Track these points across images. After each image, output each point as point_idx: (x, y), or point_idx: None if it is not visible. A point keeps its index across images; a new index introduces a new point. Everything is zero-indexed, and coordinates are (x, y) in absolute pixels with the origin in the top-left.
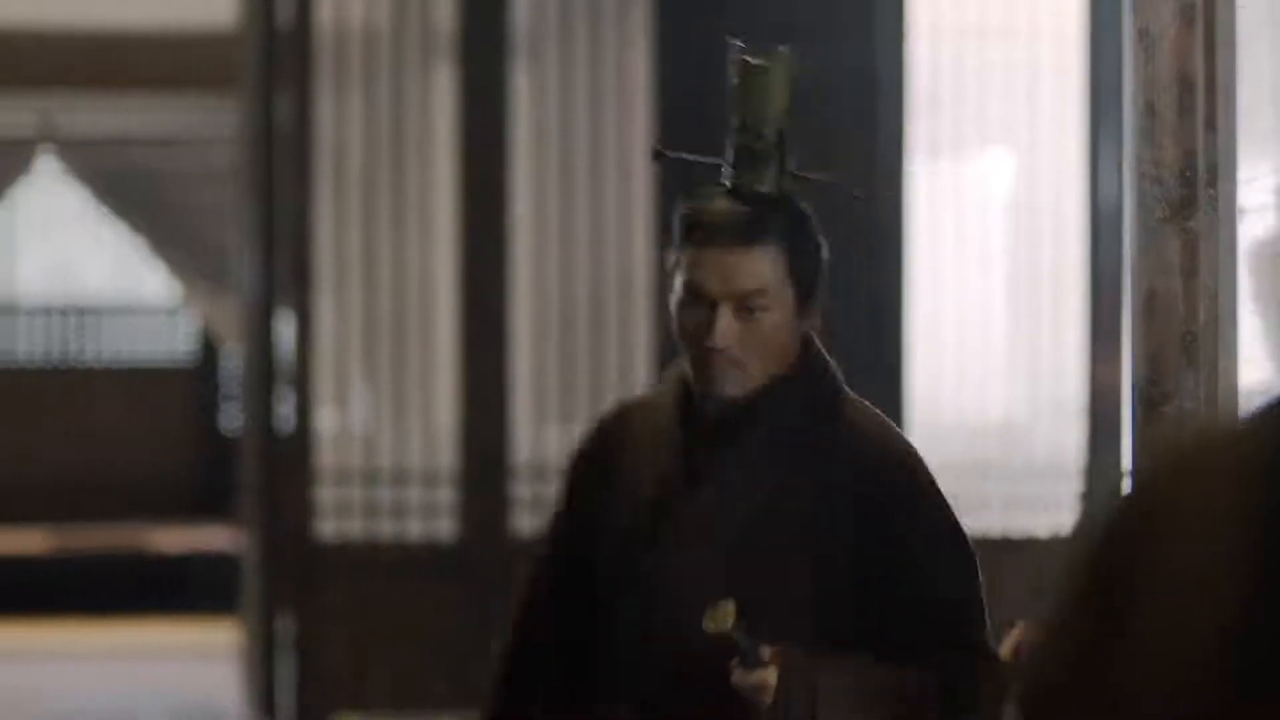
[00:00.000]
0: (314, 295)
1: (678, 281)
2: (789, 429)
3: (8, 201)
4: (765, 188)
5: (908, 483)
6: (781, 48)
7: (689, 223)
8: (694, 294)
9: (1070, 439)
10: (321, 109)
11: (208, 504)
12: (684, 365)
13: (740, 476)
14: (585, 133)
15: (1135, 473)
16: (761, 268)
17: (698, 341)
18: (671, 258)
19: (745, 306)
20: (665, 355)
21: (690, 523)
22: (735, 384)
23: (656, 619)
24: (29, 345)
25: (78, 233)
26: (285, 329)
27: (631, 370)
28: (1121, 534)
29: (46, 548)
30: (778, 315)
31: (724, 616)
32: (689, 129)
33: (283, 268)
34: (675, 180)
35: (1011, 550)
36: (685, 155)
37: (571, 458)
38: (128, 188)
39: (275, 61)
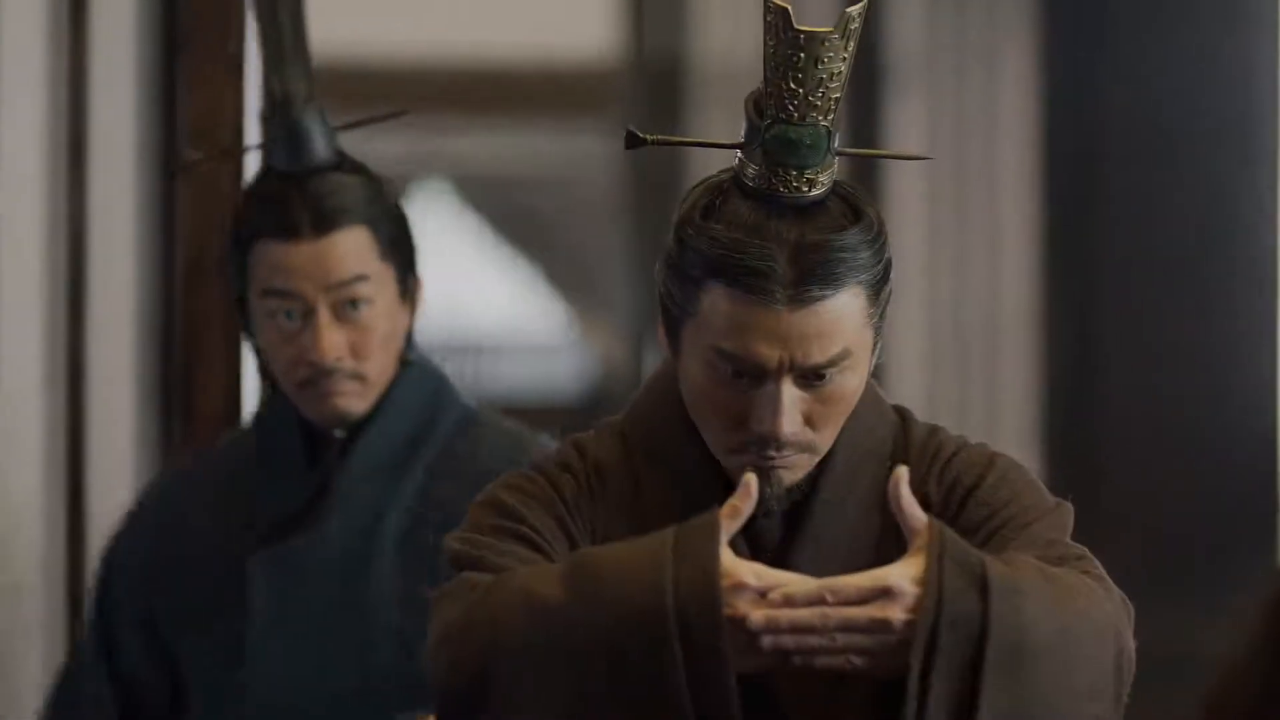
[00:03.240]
0: None
1: (701, 342)
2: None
3: None
4: (817, 190)
5: None
6: (851, 9)
7: (719, 258)
8: (737, 363)
9: None
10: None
11: None
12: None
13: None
14: (963, 157)
15: None
16: (843, 321)
17: (741, 424)
18: (679, 299)
19: (816, 375)
20: (1056, 375)
21: None
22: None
23: None
24: None
25: (470, 268)
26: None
27: (1015, 393)
28: None
29: None
30: (853, 378)
31: None
32: (1072, 149)
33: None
34: (1058, 201)
35: None
36: (669, 139)
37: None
38: (517, 222)
39: (650, 93)
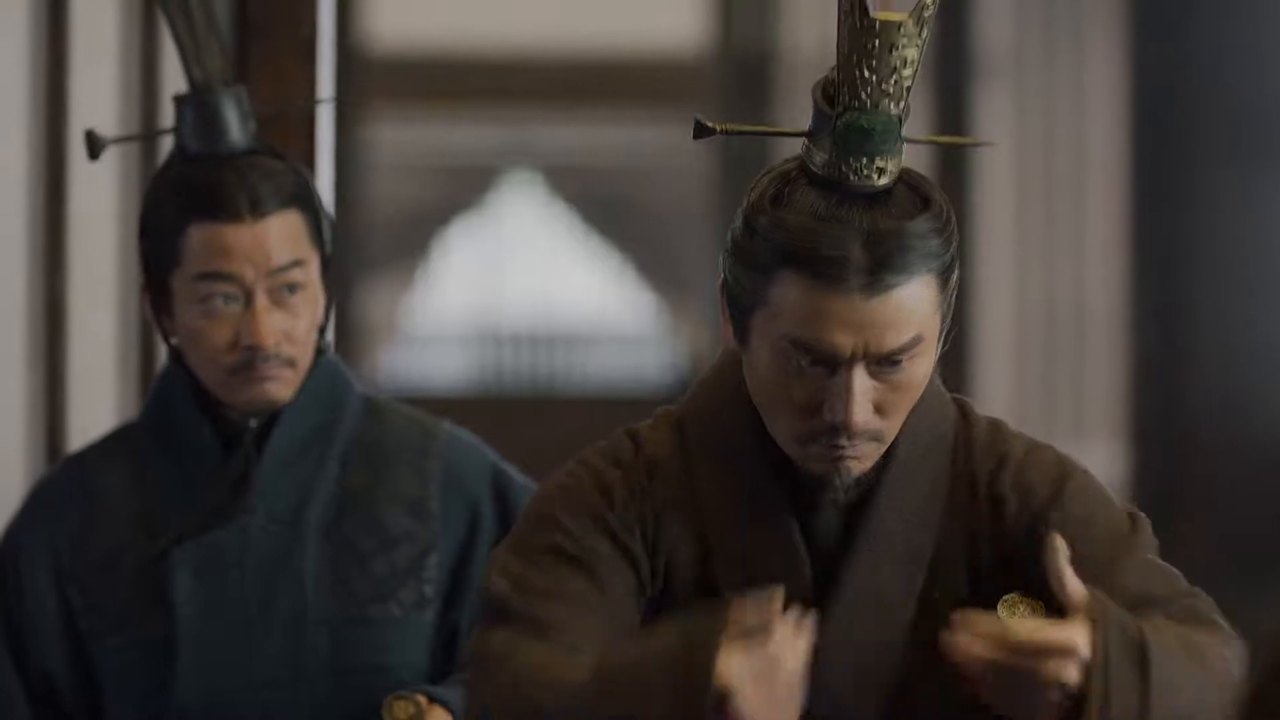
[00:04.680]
0: None
1: (772, 332)
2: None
3: (495, 229)
4: (885, 179)
5: None
6: None
7: (791, 246)
8: (811, 351)
9: None
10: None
11: None
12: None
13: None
14: (1052, 151)
15: None
16: (916, 308)
17: (812, 413)
18: (748, 288)
19: (890, 361)
20: (1143, 366)
21: None
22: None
23: None
24: (513, 372)
25: (562, 258)
26: None
27: (1102, 384)
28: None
29: None
30: (924, 365)
31: None
32: (1162, 142)
33: None
34: (1147, 195)
35: None
36: (737, 128)
37: None
38: (607, 212)
39: (738, 84)
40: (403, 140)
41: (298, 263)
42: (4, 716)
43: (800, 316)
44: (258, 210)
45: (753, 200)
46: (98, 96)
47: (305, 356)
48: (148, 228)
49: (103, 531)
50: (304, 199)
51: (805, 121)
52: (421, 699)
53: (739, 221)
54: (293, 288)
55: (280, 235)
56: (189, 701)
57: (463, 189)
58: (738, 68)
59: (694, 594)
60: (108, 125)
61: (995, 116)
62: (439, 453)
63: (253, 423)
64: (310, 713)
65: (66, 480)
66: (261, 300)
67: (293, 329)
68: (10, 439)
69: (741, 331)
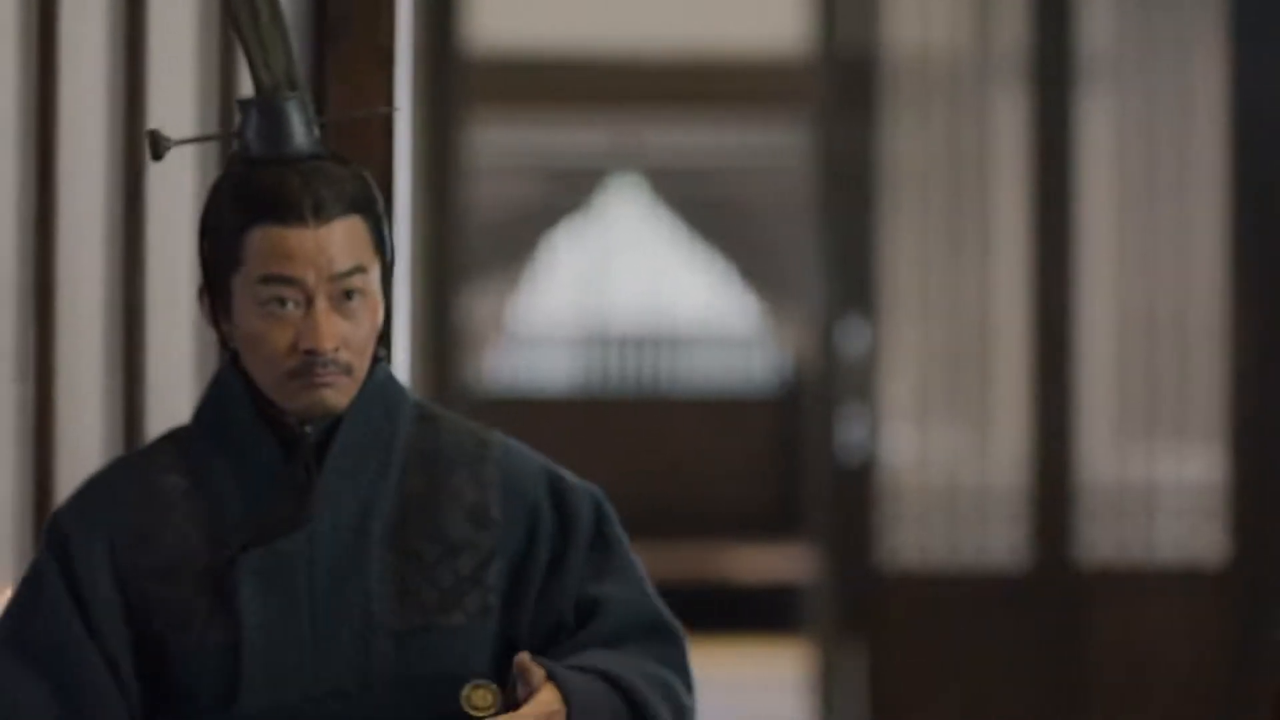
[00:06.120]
0: (880, 320)
1: None
2: None
3: (599, 231)
4: None
5: None
6: None
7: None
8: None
9: None
10: (887, 133)
11: (786, 530)
12: None
13: None
14: (1155, 153)
15: None
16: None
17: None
18: None
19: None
20: (1244, 370)
21: None
22: None
23: None
24: (618, 373)
25: (666, 260)
26: (851, 355)
27: (1204, 388)
28: None
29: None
30: None
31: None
32: (1264, 145)
33: (849, 294)
34: (1248, 197)
35: None
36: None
37: None
38: (711, 215)
39: (841, 86)
40: (507, 143)
41: (359, 269)
42: (86, 681)
43: None
44: (321, 215)
45: None
46: (175, 101)
47: (362, 364)
48: (208, 229)
49: (164, 536)
50: (367, 205)
51: (910, 121)
52: (496, 687)
53: None
54: (353, 294)
55: (343, 240)
56: (254, 711)
57: (568, 191)
58: (841, 69)
59: None
60: (185, 130)
61: (1097, 121)
62: (496, 459)
63: (309, 429)
64: None
65: (123, 481)
66: (321, 304)
67: (351, 335)
68: (88, 443)
69: None
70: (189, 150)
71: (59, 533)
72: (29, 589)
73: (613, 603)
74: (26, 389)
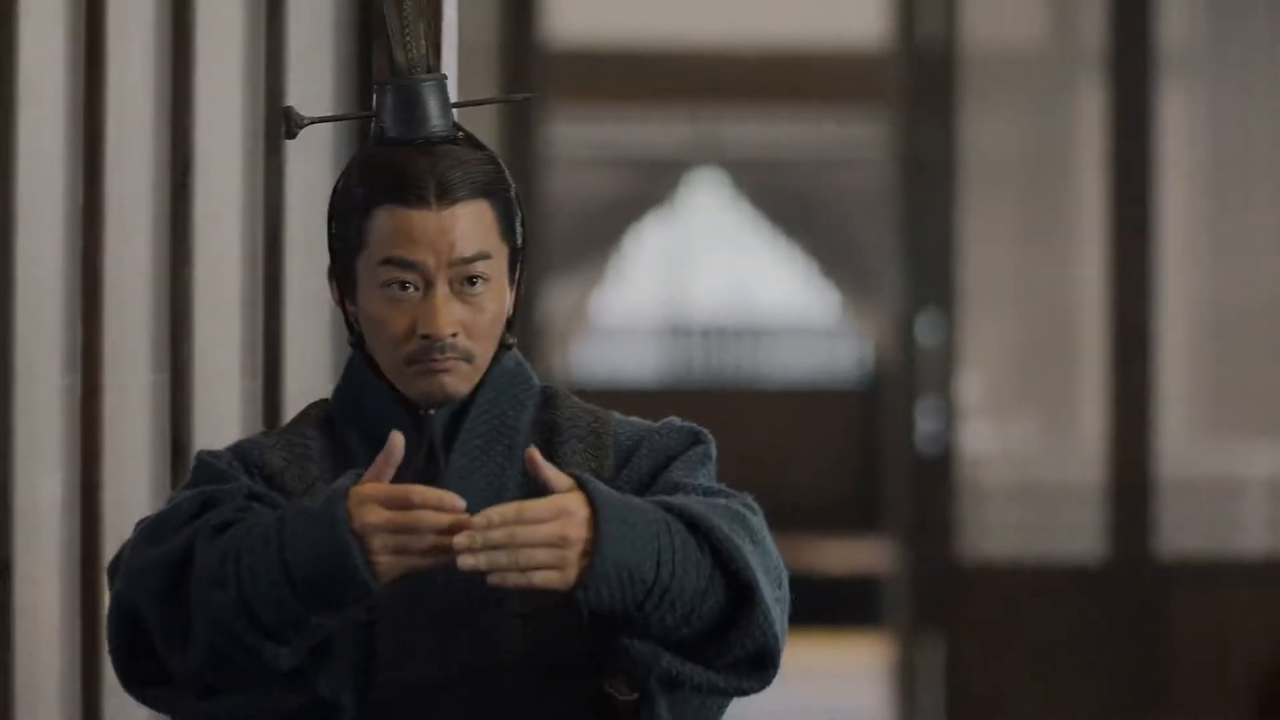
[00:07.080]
0: (959, 313)
1: None
2: None
3: (681, 224)
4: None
5: None
6: None
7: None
8: None
9: None
10: (967, 127)
11: (866, 523)
12: None
13: None
14: (1235, 146)
15: None
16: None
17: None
18: None
19: None
20: None
21: None
22: None
23: None
24: (702, 365)
25: (748, 252)
26: (930, 348)
27: (1268, 388)
28: None
29: None
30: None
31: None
32: None
33: (929, 287)
34: None
35: None
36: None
37: None
38: (791, 208)
39: (921, 80)
40: (590, 136)
41: (483, 255)
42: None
43: None
44: (445, 198)
45: None
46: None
47: (485, 352)
48: (337, 211)
49: (300, 483)
50: (497, 191)
51: (990, 114)
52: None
53: None
54: (475, 280)
55: (467, 225)
56: (387, 690)
57: (651, 184)
58: (921, 62)
59: None
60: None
61: (1176, 114)
62: (610, 432)
63: (433, 412)
64: (508, 704)
65: (268, 436)
66: (441, 289)
67: (473, 323)
68: (136, 438)
69: None
70: (233, 143)
71: (205, 459)
72: (174, 500)
73: (698, 490)
74: (74, 381)
